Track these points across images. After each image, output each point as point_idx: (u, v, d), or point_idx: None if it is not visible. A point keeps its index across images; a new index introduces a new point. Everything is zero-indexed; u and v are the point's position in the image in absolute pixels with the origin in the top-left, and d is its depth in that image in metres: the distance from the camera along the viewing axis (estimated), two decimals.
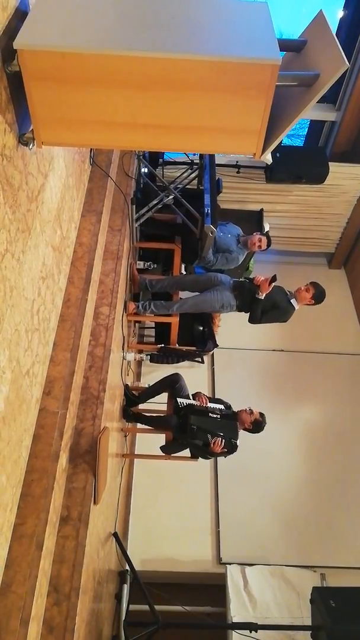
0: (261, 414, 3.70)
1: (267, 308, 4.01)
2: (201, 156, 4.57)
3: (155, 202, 4.29)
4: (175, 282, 4.41)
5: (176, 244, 4.69)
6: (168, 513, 4.59)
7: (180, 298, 4.42)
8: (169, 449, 3.91)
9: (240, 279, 4.27)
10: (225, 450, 3.60)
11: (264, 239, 4.33)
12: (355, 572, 4.40)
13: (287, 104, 1.89)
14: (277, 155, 4.93)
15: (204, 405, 3.81)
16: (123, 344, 3.69)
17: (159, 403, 4.19)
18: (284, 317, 4.08)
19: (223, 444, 3.56)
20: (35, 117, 1.76)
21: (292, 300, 4.01)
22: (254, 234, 4.40)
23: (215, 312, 4.46)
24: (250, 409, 3.70)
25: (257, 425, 3.69)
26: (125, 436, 4.40)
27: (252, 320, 4.10)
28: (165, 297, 4.48)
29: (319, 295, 3.98)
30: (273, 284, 3.89)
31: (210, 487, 4.79)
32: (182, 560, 4.40)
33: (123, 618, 3.52)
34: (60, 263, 2.53)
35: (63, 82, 1.68)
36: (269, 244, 4.36)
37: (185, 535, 4.51)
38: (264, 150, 1.92)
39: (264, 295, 3.91)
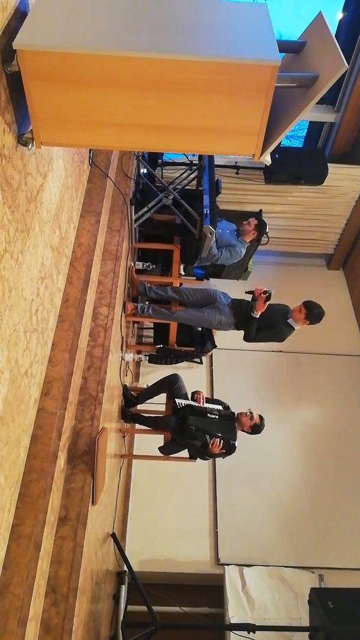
0: (261, 417, 3.70)
1: (262, 326, 3.97)
2: (200, 157, 4.57)
3: (154, 202, 4.29)
4: (175, 295, 4.37)
5: (175, 244, 4.69)
6: (166, 514, 4.59)
7: (179, 308, 4.40)
8: (167, 450, 3.91)
9: (239, 299, 4.23)
10: (224, 451, 3.60)
11: (252, 220, 4.24)
12: (354, 573, 4.40)
13: (287, 105, 1.90)
14: (276, 156, 4.94)
15: (201, 403, 3.81)
16: (122, 345, 3.69)
17: (157, 404, 4.19)
18: (278, 337, 4.01)
19: (221, 444, 3.55)
20: (34, 118, 1.76)
21: (289, 320, 3.92)
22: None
23: (213, 328, 4.44)
24: (250, 412, 3.70)
25: (256, 428, 3.69)
26: (124, 437, 4.39)
27: (246, 338, 4.07)
28: (164, 301, 4.47)
29: (313, 316, 3.82)
30: (268, 302, 3.84)
31: (209, 488, 4.79)
32: (180, 561, 4.40)
33: (121, 619, 3.51)
34: (59, 263, 2.53)
35: (62, 83, 1.68)
36: (263, 227, 4.24)
37: (184, 536, 4.51)
38: (263, 151, 1.92)
39: (258, 314, 3.89)
